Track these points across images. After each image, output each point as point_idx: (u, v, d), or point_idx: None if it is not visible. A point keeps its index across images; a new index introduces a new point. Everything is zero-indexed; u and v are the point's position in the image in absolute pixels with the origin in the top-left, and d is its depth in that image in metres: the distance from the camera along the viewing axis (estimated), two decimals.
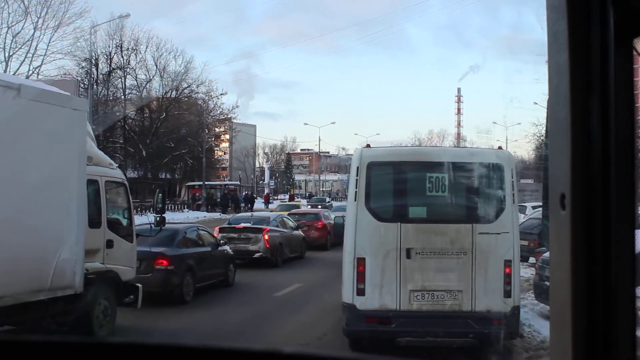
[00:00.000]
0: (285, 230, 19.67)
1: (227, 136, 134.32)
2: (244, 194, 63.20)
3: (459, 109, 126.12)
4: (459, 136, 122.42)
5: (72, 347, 1.34)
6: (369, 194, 8.38)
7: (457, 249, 8.20)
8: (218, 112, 66.19)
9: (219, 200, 54.98)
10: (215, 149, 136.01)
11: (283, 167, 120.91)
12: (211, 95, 61.40)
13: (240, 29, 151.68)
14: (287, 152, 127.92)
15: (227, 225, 18.85)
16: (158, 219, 11.36)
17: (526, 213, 24.61)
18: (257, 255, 17.73)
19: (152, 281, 12.09)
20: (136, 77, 55.68)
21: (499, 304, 8.14)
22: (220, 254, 14.94)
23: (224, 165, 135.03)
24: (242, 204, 57.82)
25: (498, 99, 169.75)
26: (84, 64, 46.89)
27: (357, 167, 8.42)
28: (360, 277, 8.24)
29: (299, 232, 20.95)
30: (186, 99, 58.61)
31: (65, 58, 45.98)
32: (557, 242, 1.15)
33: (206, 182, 59.67)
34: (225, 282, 14.93)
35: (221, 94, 59.68)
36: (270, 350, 1.20)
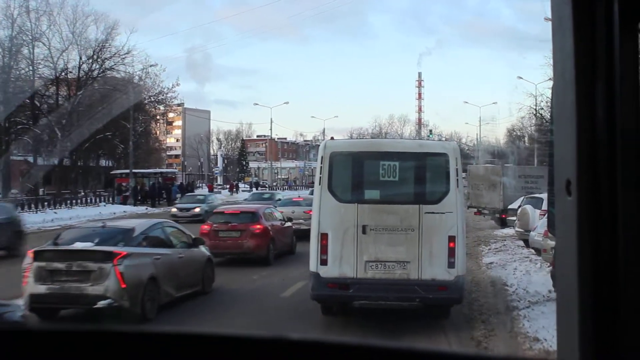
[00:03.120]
0: (166, 251, 11.45)
1: (179, 122, 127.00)
2: (179, 182, 54.48)
3: (419, 94, 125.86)
4: (420, 121, 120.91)
5: (82, 336, 1.31)
6: (331, 179, 9.52)
7: (406, 226, 9.25)
8: (157, 91, 57.81)
9: (147, 190, 46.58)
10: (167, 135, 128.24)
11: (237, 154, 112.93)
12: (147, 72, 53.02)
13: (199, 14, 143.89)
14: (242, 138, 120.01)
15: (51, 247, 10.36)
16: None
17: (542, 207, 17.04)
18: (101, 303, 9.63)
19: None
20: (49, 45, 46.80)
21: (443, 273, 9.12)
22: None
23: (176, 153, 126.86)
24: (179, 195, 49.74)
25: (468, 79, 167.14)
26: None
27: (322, 157, 9.58)
28: (324, 249, 9.34)
29: (201, 251, 12.98)
30: (109, 71, 49.80)
31: None
32: (563, 229, 1.16)
33: (137, 170, 51.18)
34: None
35: (151, 66, 50.96)
36: (276, 337, 1.17)
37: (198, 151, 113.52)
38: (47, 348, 1.23)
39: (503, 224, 24.38)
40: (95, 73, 49.00)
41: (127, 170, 47.41)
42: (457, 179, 9.34)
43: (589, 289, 1.09)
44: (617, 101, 1.07)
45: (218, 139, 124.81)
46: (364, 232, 9.23)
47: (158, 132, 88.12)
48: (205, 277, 12.77)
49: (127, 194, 46.43)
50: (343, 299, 9.62)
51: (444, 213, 9.17)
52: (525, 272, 13.45)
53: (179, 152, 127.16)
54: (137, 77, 53.65)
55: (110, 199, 46.18)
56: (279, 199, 29.37)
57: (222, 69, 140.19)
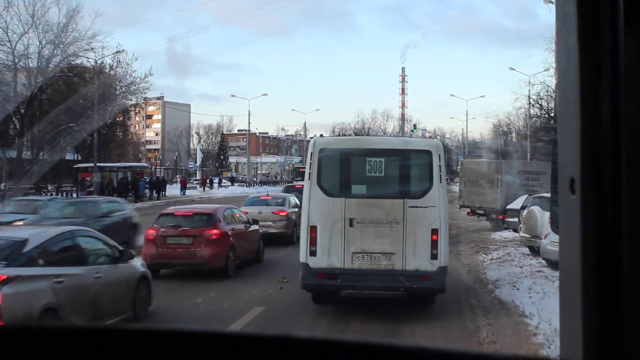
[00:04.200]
0: (75, 270, 8.19)
1: (159, 116, 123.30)
2: (148, 178, 51.27)
3: (403, 89, 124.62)
4: (403, 117, 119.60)
5: (76, 334, 1.28)
6: (320, 174, 9.96)
7: (391, 219, 9.70)
8: (129, 81, 54.38)
9: (115, 186, 43.41)
10: (147, 129, 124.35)
11: (217, 148, 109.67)
12: (118, 60, 49.68)
13: (180, 7, 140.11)
14: (222, 132, 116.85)
15: None
16: None
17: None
18: None
19: None
20: (7, 28, 43.33)
21: (426, 264, 9.57)
22: None
23: (156, 147, 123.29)
24: (147, 191, 46.73)
25: (453, 74, 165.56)
26: None
27: (311, 153, 10.02)
28: (313, 241, 9.77)
29: (132, 266, 9.87)
30: (73, 57, 46.45)
31: None
32: (567, 227, 1.15)
33: (104, 164, 47.99)
34: None
35: (117, 52, 47.58)
36: (283, 336, 1.15)
37: (178, 145, 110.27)
38: (47, 347, 1.20)
39: (502, 225, 21.72)
40: (57, 59, 45.55)
41: (92, 164, 44.17)
42: (440, 175, 9.72)
43: (592, 287, 1.08)
44: (622, 99, 1.06)
45: (198, 133, 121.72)
46: (351, 224, 9.69)
47: (137, 126, 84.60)
48: (138, 300, 9.90)
49: (91, 189, 43.25)
50: (331, 288, 10.20)
51: (427, 207, 9.61)
52: (543, 294, 10.74)
53: (158, 146, 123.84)
54: (107, 67, 50.30)
55: (74, 194, 42.94)
56: (126, 211, 20.02)
57: (204, 63, 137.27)
